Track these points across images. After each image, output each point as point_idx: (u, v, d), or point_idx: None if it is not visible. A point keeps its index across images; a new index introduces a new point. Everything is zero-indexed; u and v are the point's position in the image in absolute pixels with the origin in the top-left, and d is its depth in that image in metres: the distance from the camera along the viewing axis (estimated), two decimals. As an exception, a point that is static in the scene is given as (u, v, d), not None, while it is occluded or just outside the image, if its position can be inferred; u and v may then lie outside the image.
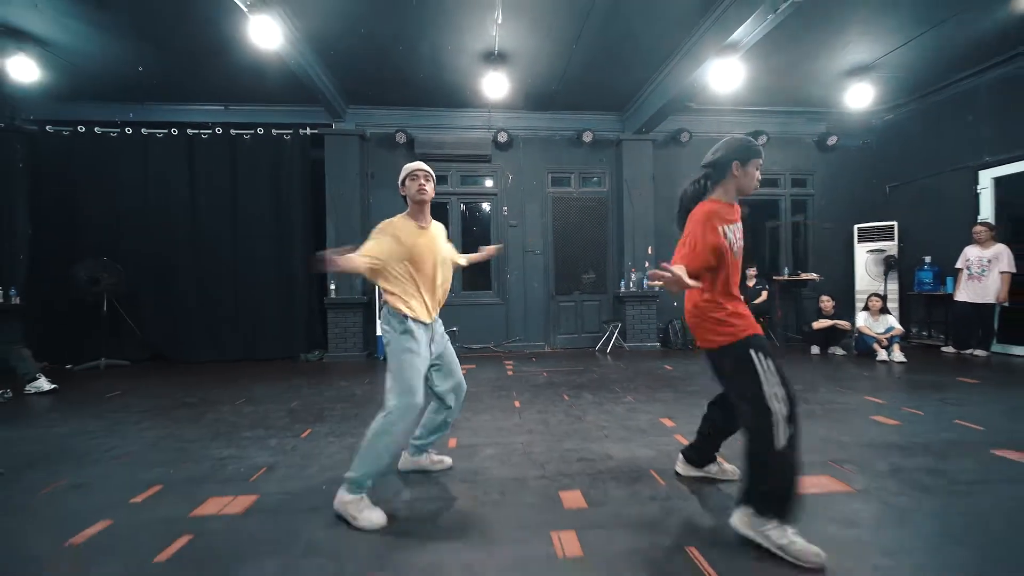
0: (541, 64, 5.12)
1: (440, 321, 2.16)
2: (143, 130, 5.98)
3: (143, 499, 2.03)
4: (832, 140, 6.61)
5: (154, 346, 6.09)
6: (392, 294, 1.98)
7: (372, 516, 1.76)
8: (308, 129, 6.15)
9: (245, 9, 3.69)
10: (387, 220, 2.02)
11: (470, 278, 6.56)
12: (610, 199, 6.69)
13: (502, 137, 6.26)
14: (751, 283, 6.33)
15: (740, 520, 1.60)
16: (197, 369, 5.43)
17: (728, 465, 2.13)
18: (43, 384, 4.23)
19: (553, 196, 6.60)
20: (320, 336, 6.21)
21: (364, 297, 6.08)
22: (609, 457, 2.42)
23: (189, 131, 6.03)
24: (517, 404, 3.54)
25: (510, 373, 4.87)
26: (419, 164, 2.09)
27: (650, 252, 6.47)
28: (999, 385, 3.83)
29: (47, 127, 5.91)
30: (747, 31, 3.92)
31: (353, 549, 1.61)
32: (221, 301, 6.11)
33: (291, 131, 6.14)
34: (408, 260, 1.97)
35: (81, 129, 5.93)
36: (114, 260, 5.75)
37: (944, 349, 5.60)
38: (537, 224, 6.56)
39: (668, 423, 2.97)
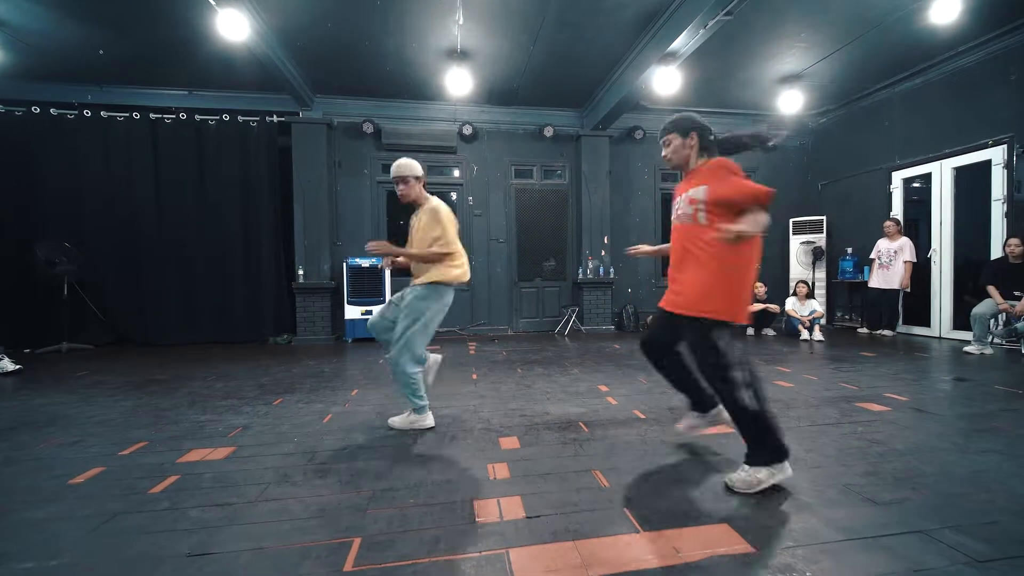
0: (502, 62, 5.43)
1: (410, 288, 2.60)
2: (103, 113, 5.95)
3: (131, 451, 2.29)
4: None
5: (118, 330, 6.13)
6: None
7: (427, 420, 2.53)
8: (275, 117, 6.26)
9: (213, 3, 3.83)
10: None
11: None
12: (570, 191, 7.10)
13: (467, 130, 6.54)
14: (697, 271, 6.89)
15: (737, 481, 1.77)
16: (163, 352, 5.54)
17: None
18: (6, 364, 4.30)
19: (516, 187, 6.95)
20: (289, 320, 6.39)
21: (332, 282, 6.29)
22: (547, 413, 2.82)
23: (152, 115, 6.04)
24: (474, 376, 3.91)
25: (472, 352, 5.24)
26: (393, 168, 2.61)
27: (606, 242, 6.93)
28: (890, 358, 4.47)
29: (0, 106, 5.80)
30: (683, 42, 4.35)
31: (323, 477, 1.94)
32: (188, 285, 6.20)
33: (258, 118, 6.23)
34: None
35: (36, 110, 5.85)
36: (76, 243, 5.74)
37: (859, 330, 6.32)
38: (501, 214, 6.90)
39: (603, 388, 3.41)
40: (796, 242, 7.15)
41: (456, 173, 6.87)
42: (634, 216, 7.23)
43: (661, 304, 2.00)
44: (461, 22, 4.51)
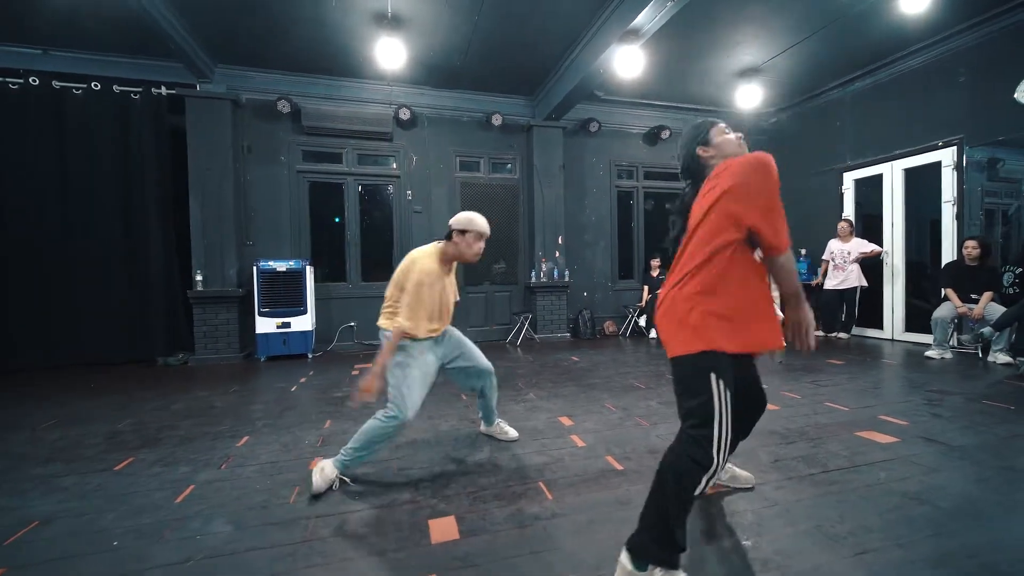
0: (442, 33, 4.69)
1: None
2: (-83, 72, 4.55)
3: None
4: (726, 138, 7.00)
5: (-51, 354, 4.74)
6: None
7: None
8: (164, 89, 5.12)
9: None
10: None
11: (369, 268, 5.99)
12: (521, 186, 6.49)
13: (404, 114, 5.73)
14: (654, 273, 6.52)
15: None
16: (19, 381, 4.27)
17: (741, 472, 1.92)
18: None
19: (461, 181, 6.23)
20: (185, 336, 5.27)
21: (240, 289, 5.24)
22: (496, 467, 2.15)
23: (-10, 78, 4.71)
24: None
25: (409, 372, 4.46)
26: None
27: (560, 242, 6.39)
28: (859, 366, 4.24)
29: None
30: (648, 17, 3.85)
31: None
32: (50, 294, 4.92)
33: (141, 89, 5.06)
34: None
35: None
36: None
37: (815, 333, 6.20)
38: (445, 210, 6.15)
39: (566, 421, 2.79)
40: (751, 243, 6.98)
41: (393, 164, 6.03)
42: (589, 214, 6.74)
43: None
44: (390, -23, 3.74)
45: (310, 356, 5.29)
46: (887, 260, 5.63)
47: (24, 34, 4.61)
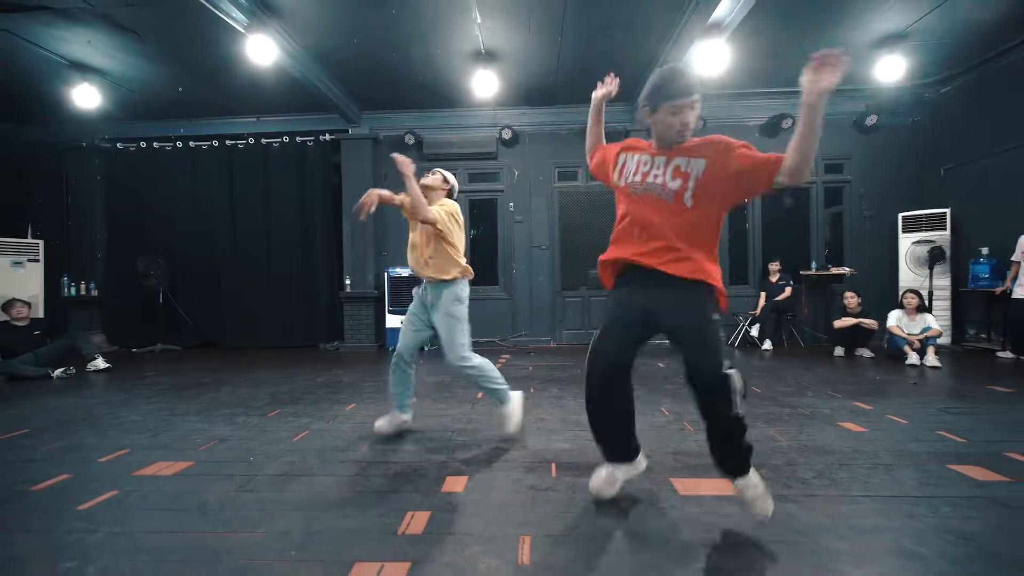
0: (532, 59, 5.12)
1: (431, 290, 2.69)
2: (191, 143, 6.76)
3: (106, 460, 2.39)
4: (871, 120, 5.94)
5: (202, 334, 6.90)
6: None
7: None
8: (327, 135, 6.62)
9: (242, 30, 4.08)
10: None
11: (477, 273, 6.69)
12: (620, 192, 6.52)
13: (507, 134, 6.33)
14: (773, 278, 5.90)
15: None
16: (232, 355, 6.07)
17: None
18: (100, 363, 4.96)
19: (559, 191, 6.56)
20: (339, 328, 6.68)
21: (376, 291, 6.44)
22: (522, 447, 2.45)
23: (228, 142, 6.73)
24: (479, 396, 3.63)
25: (499, 366, 4.94)
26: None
27: (660, 246, 6.22)
28: (1036, 396, 3.31)
29: (117, 144, 6.87)
30: (729, 8, 3.69)
31: (237, 508, 1.81)
32: (256, 294, 6.77)
33: (313, 138, 6.64)
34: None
35: (143, 145, 6.83)
36: (168, 257, 6.58)
37: (999, 354, 4.87)
38: (543, 219, 6.56)
39: (610, 419, 2.92)
40: (907, 242, 5.78)
41: (497, 179, 6.67)
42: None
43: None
44: (479, 20, 4.32)
45: (426, 349, 6.20)
46: (1119, 260, 4.16)
47: (247, 108, 6.49)
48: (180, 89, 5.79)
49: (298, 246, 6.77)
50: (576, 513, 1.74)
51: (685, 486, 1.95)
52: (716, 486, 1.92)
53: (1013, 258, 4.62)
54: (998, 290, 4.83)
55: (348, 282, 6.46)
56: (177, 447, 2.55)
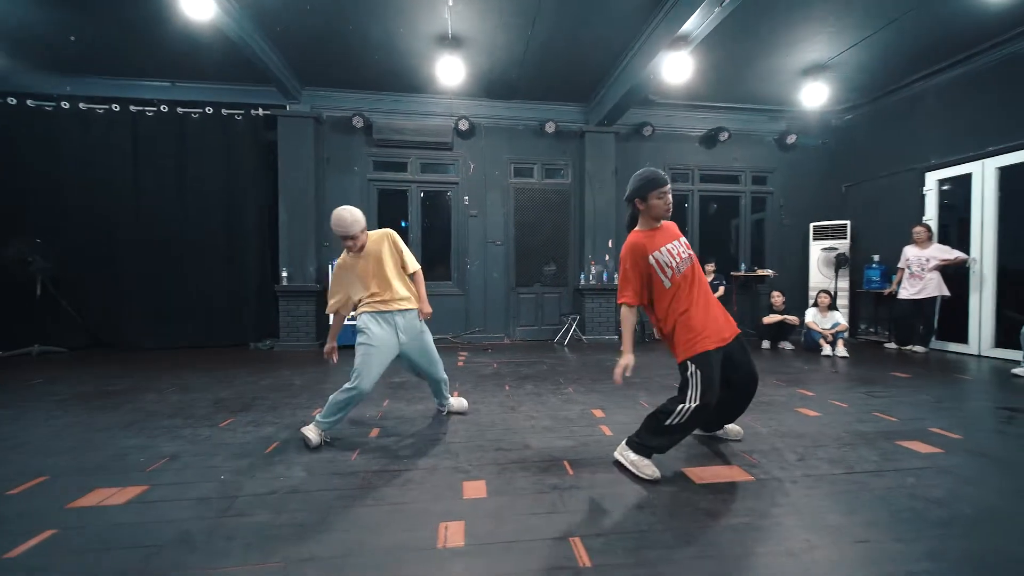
0: (499, 50, 5.02)
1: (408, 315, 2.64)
2: (81, 105, 5.66)
3: (20, 490, 1.91)
4: (791, 139, 6.71)
5: (94, 332, 5.84)
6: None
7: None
8: (261, 110, 5.93)
9: (175, -23, 3.49)
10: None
11: (428, 269, 6.45)
12: (573, 191, 6.67)
13: (463, 125, 6.15)
14: (709, 279, 6.41)
15: (619, 450, 2.15)
16: (136, 357, 5.21)
17: (733, 427, 2.47)
18: (-40, 370, 3.99)
19: (515, 186, 6.53)
20: (273, 325, 6.04)
21: (318, 285, 5.92)
22: (526, 447, 2.40)
23: (132, 108, 5.74)
24: (455, 395, 3.48)
25: (460, 364, 4.83)
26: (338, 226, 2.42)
27: (611, 245, 6.48)
28: (927, 380, 3.95)
29: (-26, 97, 5.55)
30: (696, 23, 3.90)
31: (230, 539, 1.54)
32: (168, 286, 5.87)
33: (243, 111, 5.91)
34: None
35: (12, 101, 5.58)
36: (50, 240, 5.46)
37: (886, 345, 5.77)
38: (499, 214, 6.49)
39: (598, 413, 2.97)
40: (817, 248, 6.62)
41: (451, 171, 6.47)
42: (641, 218, 6.75)
43: (721, 344, 2.09)
44: (451, 3, 4.13)
45: (374, 346, 5.83)
46: (974, 267, 5.13)
47: (159, 70, 5.58)
48: (72, 38, 4.82)
49: (221, 232, 5.99)
50: (612, 509, 1.74)
51: (697, 475, 2.04)
52: (721, 473, 2.03)
53: (899, 265, 5.50)
54: (886, 291, 5.72)
55: (285, 275, 5.86)
56: (115, 469, 2.13)
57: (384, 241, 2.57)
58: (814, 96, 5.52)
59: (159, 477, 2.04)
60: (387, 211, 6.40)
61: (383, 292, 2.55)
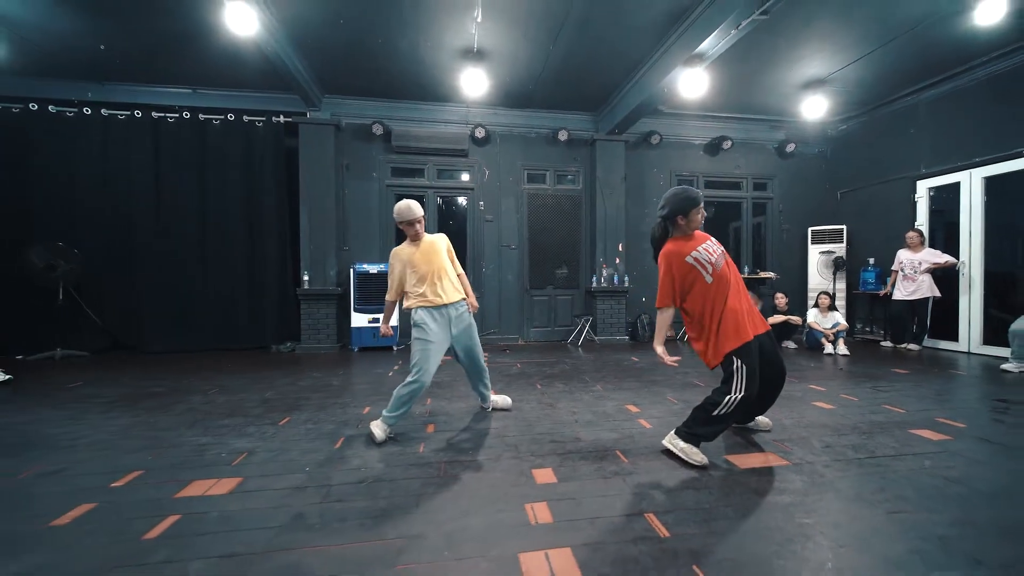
0: (519, 63, 5.23)
1: (458, 307, 2.89)
2: (103, 111, 5.74)
3: (124, 483, 2.06)
4: (791, 147, 7.03)
5: (115, 336, 5.90)
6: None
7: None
8: (282, 117, 6.05)
9: (220, -6, 3.64)
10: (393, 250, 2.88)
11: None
12: (584, 197, 6.90)
13: (479, 133, 6.35)
14: (713, 280, 6.68)
15: (667, 439, 2.36)
16: (161, 360, 5.29)
17: (762, 419, 2.71)
18: (-2, 374, 4.07)
19: (528, 192, 6.74)
20: (293, 328, 6.15)
21: (338, 288, 6.06)
22: (577, 439, 2.60)
23: (154, 114, 5.83)
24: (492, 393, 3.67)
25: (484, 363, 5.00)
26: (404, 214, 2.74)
27: (620, 249, 6.73)
28: (925, 375, 4.25)
29: (-5, 103, 5.59)
30: (712, 44, 4.16)
31: (343, 520, 1.72)
32: (188, 290, 5.96)
33: (264, 118, 6.02)
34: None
35: (34, 107, 5.63)
36: (72, 245, 5.52)
37: (882, 343, 6.10)
38: (513, 219, 6.70)
39: (632, 408, 3.19)
40: (815, 252, 6.95)
41: (466, 177, 6.66)
42: (650, 223, 7.01)
43: (762, 332, 2.38)
44: (479, 19, 4.32)
45: (395, 348, 6.00)
46: (963, 270, 5.47)
47: (182, 78, 5.68)
48: (102, 47, 4.91)
49: (243, 237, 6.09)
50: (673, 490, 1.95)
51: (740, 461, 2.26)
52: (761, 460, 2.27)
53: (893, 267, 5.83)
54: (881, 293, 6.05)
55: (306, 278, 5.98)
56: (200, 464, 2.28)
57: (442, 240, 2.92)
58: (814, 108, 5.83)
59: (246, 470, 2.20)
60: (404, 216, 6.55)
61: (439, 285, 2.79)
